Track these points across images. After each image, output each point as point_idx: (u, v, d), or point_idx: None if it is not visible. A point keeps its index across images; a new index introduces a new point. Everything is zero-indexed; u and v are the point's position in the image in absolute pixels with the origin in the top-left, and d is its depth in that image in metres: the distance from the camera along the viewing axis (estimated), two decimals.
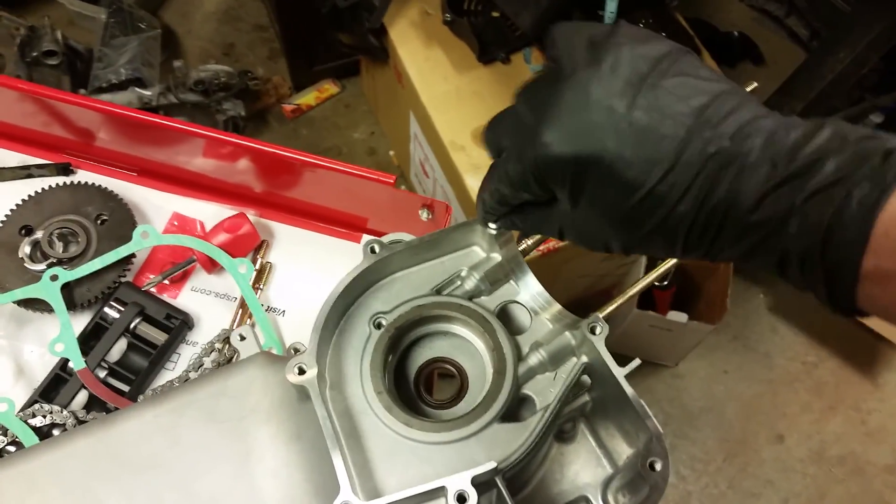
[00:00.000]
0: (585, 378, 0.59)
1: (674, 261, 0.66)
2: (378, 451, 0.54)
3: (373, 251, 0.60)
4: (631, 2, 1.55)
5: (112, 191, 0.93)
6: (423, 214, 0.89)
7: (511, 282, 0.63)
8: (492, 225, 0.58)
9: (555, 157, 0.44)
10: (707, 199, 0.41)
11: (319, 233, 0.97)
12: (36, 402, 0.80)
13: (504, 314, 0.62)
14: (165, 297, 0.90)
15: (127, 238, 0.87)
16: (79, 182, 0.94)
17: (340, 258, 0.81)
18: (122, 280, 0.88)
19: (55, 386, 0.82)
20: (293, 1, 2.02)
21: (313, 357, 0.55)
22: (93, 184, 0.93)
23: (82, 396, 0.82)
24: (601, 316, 0.57)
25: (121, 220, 0.91)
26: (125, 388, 0.83)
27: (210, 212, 0.96)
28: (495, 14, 1.61)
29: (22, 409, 0.79)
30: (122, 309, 0.85)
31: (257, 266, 0.92)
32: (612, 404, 0.57)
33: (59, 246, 0.88)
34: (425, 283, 0.62)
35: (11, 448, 0.77)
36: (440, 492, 0.50)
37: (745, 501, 1.84)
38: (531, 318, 0.62)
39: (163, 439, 0.59)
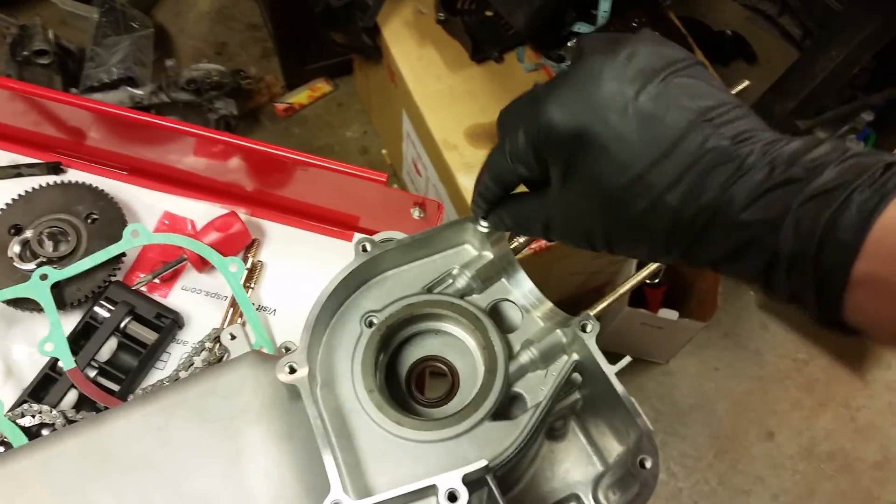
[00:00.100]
0: (576, 376, 0.59)
1: None
2: (369, 450, 0.54)
3: (364, 250, 0.60)
4: (624, 1, 1.56)
5: (102, 190, 0.92)
6: (415, 213, 0.89)
7: (503, 280, 0.63)
8: (483, 223, 0.58)
9: (555, 128, 0.44)
10: (697, 192, 0.41)
11: (311, 231, 0.97)
12: (25, 401, 0.79)
13: (495, 312, 0.62)
14: (156, 296, 0.90)
15: (117, 237, 0.87)
16: (69, 181, 0.93)
17: (332, 257, 0.81)
18: (113, 279, 0.87)
19: (45, 386, 0.81)
20: (286, 0, 2.01)
21: (304, 356, 0.55)
22: (83, 183, 0.93)
23: (72, 396, 0.81)
24: (592, 314, 0.57)
25: (111, 219, 0.91)
26: (115, 387, 0.83)
27: (201, 210, 0.96)
28: (489, 13, 1.61)
29: (11, 409, 0.79)
30: (113, 308, 0.85)
31: (248, 265, 0.92)
32: (603, 402, 0.57)
33: (48, 245, 0.88)
34: (417, 281, 0.62)
35: (0, 448, 0.77)
36: (431, 490, 0.50)
37: (735, 498, 1.85)
38: (522, 317, 0.62)
39: (153, 439, 0.59)
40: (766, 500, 1.86)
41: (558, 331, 0.58)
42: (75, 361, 0.80)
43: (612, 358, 0.55)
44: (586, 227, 0.47)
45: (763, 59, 2.47)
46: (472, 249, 0.63)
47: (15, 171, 0.97)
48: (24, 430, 0.77)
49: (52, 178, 0.95)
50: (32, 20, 1.96)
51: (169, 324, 0.86)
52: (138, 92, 1.94)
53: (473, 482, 0.51)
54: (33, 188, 0.91)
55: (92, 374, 0.83)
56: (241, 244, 0.92)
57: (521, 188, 0.56)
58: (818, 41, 1.83)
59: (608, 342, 1.84)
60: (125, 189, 0.96)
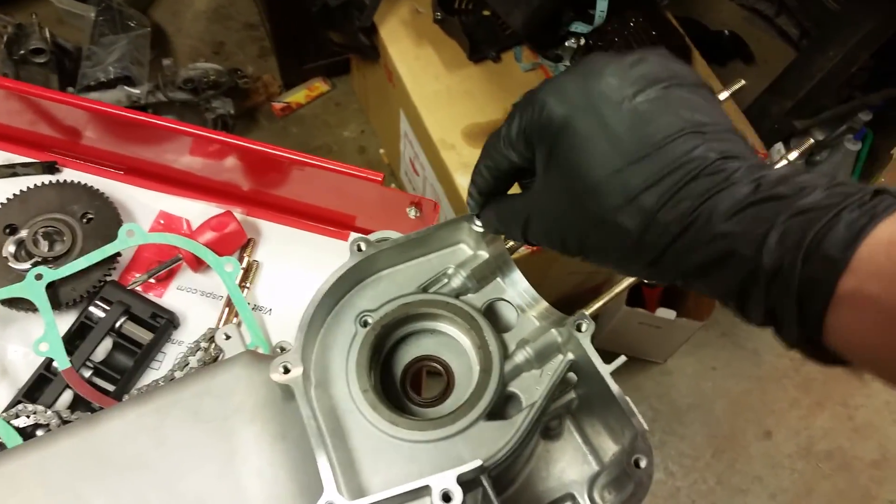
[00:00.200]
0: (571, 375, 0.59)
1: None
2: (363, 450, 0.54)
3: (359, 249, 0.60)
4: (622, 1, 1.56)
5: (98, 189, 0.92)
6: (412, 212, 0.89)
7: (498, 279, 0.63)
8: (476, 222, 0.58)
9: (547, 112, 0.44)
10: (677, 197, 0.40)
11: (307, 231, 0.97)
12: (20, 402, 0.79)
13: (491, 312, 0.62)
14: (151, 295, 0.90)
15: (113, 237, 0.86)
16: (65, 181, 0.93)
17: (328, 256, 0.81)
18: (108, 279, 0.87)
19: (39, 386, 0.81)
20: None
21: (298, 356, 0.55)
22: (79, 182, 0.92)
23: (67, 396, 0.81)
24: (587, 313, 0.57)
25: (107, 219, 0.90)
26: (110, 387, 0.83)
27: (197, 210, 0.96)
28: (486, 13, 1.61)
29: (5, 410, 0.79)
30: (108, 308, 0.85)
31: (244, 264, 0.91)
32: (598, 401, 0.57)
33: (44, 245, 0.88)
34: (412, 280, 0.62)
35: None
36: (425, 490, 0.50)
37: (733, 497, 1.85)
38: (518, 316, 0.62)
39: (148, 439, 0.59)
40: (764, 499, 1.86)
41: (553, 330, 0.58)
42: (70, 361, 0.80)
43: (610, 357, 0.55)
44: (561, 224, 0.46)
45: (760, 59, 2.48)
46: (468, 249, 0.63)
47: (10, 171, 0.97)
48: (19, 430, 0.77)
49: (47, 178, 0.95)
50: (29, 19, 1.95)
51: (164, 324, 0.86)
52: (135, 91, 1.93)
53: (468, 482, 0.51)
54: (28, 188, 0.91)
55: (87, 374, 0.83)
56: (237, 244, 0.92)
57: (516, 189, 0.56)
58: (815, 41, 1.83)
59: (606, 341, 1.84)
60: (121, 188, 0.96)
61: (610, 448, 0.59)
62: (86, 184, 0.92)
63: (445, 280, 0.62)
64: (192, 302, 0.90)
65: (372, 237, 0.60)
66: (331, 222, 0.97)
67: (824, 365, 0.40)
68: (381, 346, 0.60)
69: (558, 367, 0.57)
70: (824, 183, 0.38)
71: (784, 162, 0.59)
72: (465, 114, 1.54)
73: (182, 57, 2.31)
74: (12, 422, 0.77)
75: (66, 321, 0.85)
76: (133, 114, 0.88)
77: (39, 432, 0.78)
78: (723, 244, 0.39)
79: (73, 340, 0.83)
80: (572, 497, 0.59)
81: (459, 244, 0.63)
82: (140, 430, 0.59)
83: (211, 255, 0.87)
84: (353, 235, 0.71)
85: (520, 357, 0.58)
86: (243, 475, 0.57)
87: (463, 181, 1.46)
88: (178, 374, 0.83)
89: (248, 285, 0.91)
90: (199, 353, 0.84)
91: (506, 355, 0.58)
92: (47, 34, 1.93)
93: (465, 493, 0.49)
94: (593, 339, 0.56)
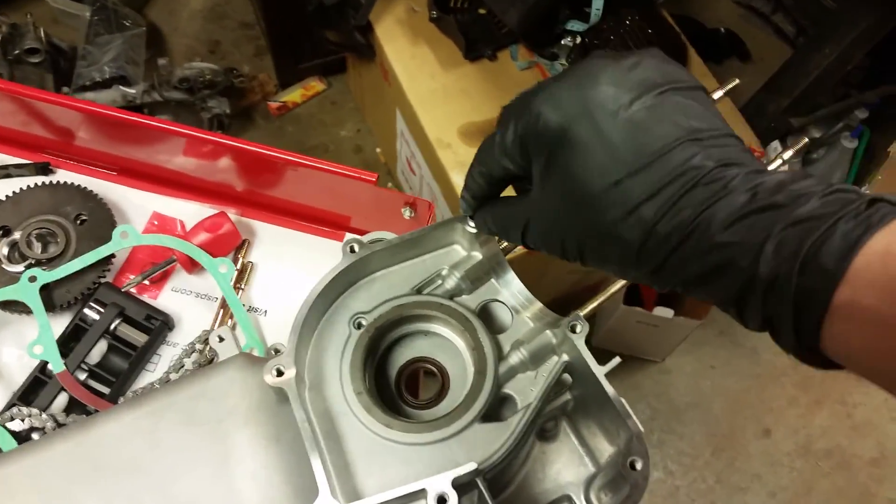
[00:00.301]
0: (567, 376, 0.58)
1: None
2: (358, 453, 0.54)
3: (352, 251, 0.59)
4: None
5: (92, 190, 0.92)
6: (406, 213, 0.89)
7: (492, 280, 0.63)
8: (470, 223, 0.58)
9: (543, 121, 0.44)
10: (675, 208, 0.40)
11: (302, 231, 0.96)
12: (14, 405, 0.79)
13: (485, 313, 0.62)
14: (146, 297, 0.89)
15: (107, 238, 0.86)
16: (58, 182, 0.93)
17: (323, 257, 0.81)
18: (102, 281, 0.87)
19: (34, 389, 0.81)
20: None
21: (291, 358, 0.54)
22: (72, 183, 0.92)
23: (62, 399, 0.81)
24: (582, 314, 0.57)
25: (100, 220, 0.90)
26: (105, 390, 0.82)
27: (191, 211, 0.95)
28: (482, 11, 1.61)
29: (0, 413, 0.78)
30: (102, 310, 0.84)
31: (238, 265, 0.91)
32: (594, 403, 0.57)
33: (37, 247, 0.87)
34: (406, 282, 0.61)
35: None
36: (420, 494, 0.49)
37: (732, 495, 1.85)
38: (512, 317, 0.61)
39: (142, 442, 0.59)
40: (763, 497, 1.86)
41: (548, 331, 0.58)
42: (65, 364, 0.80)
43: (607, 356, 0.55)
44: (560, 232, 0.46)
45: (757, 56, 2.47)
46: (462, 250, 0.63)
47: (3, 172, 0.96)
48: (14, 433, 0.77)
49: (40, 179, 0.94)
50: (24, 18, 1.95)
51: (159, 325, 0.85)
52: (131, 91, 1.93)
53: (463, 485, 0.51)
54: (22, 189, 0.90)
55: (82, 376, 0.82)
56: (231, 245, 0.91)
57: (511, 192, 0.55)
58: (812, 39, 1.83)
59: (604, 340, 1.84)
60: (114, 189, 0.96)
61: (606, 449, 0.59)
62: (79, 185, 0.92)
63: (439, 281, 0.61)
64: (187, 303, 0.90)
65: (365, 238, 0.60)
66: (325, 223, 0.97)
67: (821, 369, 0.40)
68: (376, 348, 0.59)
69: (553, 368, 0.57)
70: (821, 190, 0.38)
71: (779, 161, 0.59)
72: (461, 112, 1.54)
73: (178, 56, 2.30)
74: (7, 425, 0.77)
75: (60, 323, 0.85)
76: (126, 114, 0.88)
77: (35, 436, 0.78)
78: (721, 254, 0.39)
79: (67, 343, 0.83)
80: (569, 499, 0.59)
81: (453, 245, 0.63)
82: (134, 434, 0.59)
83: (205, 256, 0.87)
84: (348, 236, 0.71)
85: (514, 358, 0.57)
86: (237, 478, 0.56)
87: (459, 180, 1.46)
88: (173, 376, 0.82)
89: (242, 286, 0.91)
90: (195, 355, 0.84)
91: (500, 357, 0.57)
92: (42, 34, 1.93)
93: (460, 495, 0.49)
94: (588, 341, 0.56)
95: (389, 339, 0.60)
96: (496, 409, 0.57)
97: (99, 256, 0.85)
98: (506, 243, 0.62)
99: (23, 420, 0.78)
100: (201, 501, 0.56)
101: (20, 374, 0.82)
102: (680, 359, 2.00)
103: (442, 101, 1.56)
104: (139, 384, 0.85)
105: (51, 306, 0.84)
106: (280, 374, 0.54)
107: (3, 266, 0.85)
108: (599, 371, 0.54)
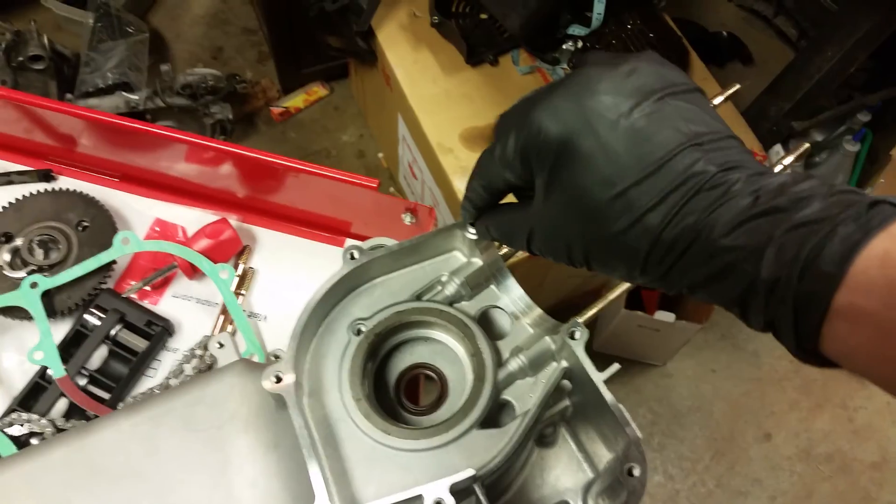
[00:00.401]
0: (566, 383, 0.58)
1: None
2: (356, 459, 0.54)
3: (352, 257, 0.59)
4: (619, 3, 1.56)
5: (93, 197, 0.92)
6: (407, 218, 0.89)
7: (492, 286, 0.63)
8: (470, 230, 0.58)
9: (544, 134, 0.44)
10: (680, 215, 0.40)
11: (303, 237, 0.97)
12: (14, 410, 0.79)
13: (485, 319, 0.62)
14: (146, 303, 0.90)
15: (108, 244, 0.86)
16: (60, 188, 0.93)
17: (324, 263, 0.81)
18: (103, 287, 0.87)
19: (34, 394, 0.81)
20: (281, 4, 2.01)
21: (290, 365, 0.55)
22: (74, 190, 0.92)
23: (62, 405, 0.81)
24: (581, 321, 0.57)
25: (102, 227, 0.90)
26: (106, 395, 0.82)
27: (192, 217, 0.96)
28: (483, 16, 1.61)
29: (0, 418, 0.78)
30: (103, 316, 0.85)
31: (239, 271, 0.91)
32: (592, 409, 0.57)
33: (39, 253, 0.88)
34: (406, 288, 0.61)
35: None
36: (418, 500, 0.49)
37: (733, 500, 1.85)
38: (512, 323, 0.61)
39: (141, 448, 0.59)
40: (764, 501, 1.85)
41: (547, 338, 0.58)
42: (65, 370, 0.80)
43: (610, 360, 0.55)
44: (566, 241, 0.47)
45: (759, 59, 2.47)
46: (462, 256, 0.63)
47: (5, 179, 0.96)
48: (14, 439, 0.77)
49: (42, 186, 0.95)
50: (27, 25, 1.96)
51: (159, 331, 0.85)
52: (133, 97, 1.93)
53: (461, 491, 0.51)
54: (24, 196, 0.91)
55: (82, 382, 0.82)
56: (232, 251, 0.92)
57: (511, 198, 0.55)
58: (813, 41, 1.83)
59: (605, 344, 1.84)
60: (116, 196, 0.96)
61: (604, 455, 0.59)
62: (81, 191, 0.92)
63: (439, 287, 0.61)
64: (188, 309, 0.90)
65: (365, 244, 0.60)
66: (326, 229, 0.97)
67: (824, 368, 0.40)
68: (375, 355, 0.59)
69: (552, 374, 0.57)
70: (823, 192, 0.38)
71: (780, 167, 0.59)
72: (463, 117, 1.54)
73: (180, 62, 2.31)
74: (7, 430, 0.77)
75: (61, 329, 0.85)
76: (127, 121, 0.88)
77: (34, 441, 0.78)
78: (724, 259, 0.39)
79: (68, 348, 0.83)
80: None
81: (453, 251, 0.63)
82: (133, 440, 0.59)
83: (206, 262, 0.87)
84: (348, 242, 0.71)
85: (514, 365, 0.57)
86: (236, 485, 0.56)
87: (461, 185, 1.46)
88: (173, 382, 0.83)
89: (243, 292, 0.91)
90: (195, 361, 0.84)
91: (500, 363, 0.57)
92: (46, 41, 1.94)
93: (458, 502, 0.49)
94: (590, 345, 0.56)
95: (389, 345, 0.60)
96: (495, 415, 0.57)
97: (100, 263, 0.85)
98: (506, 249, 0.62)
99: (23, 425, 0.78)
100: None
101: (21, 380, 0.83)
102: (681, 363, 1.99)
103: (443, 106, 1.56)
104: (139, 390, 0.85)
105: (52, 312, 0.84)
106: (279, 380, 0.54)
107: (5, 272, 0.86)
108: (598, 378, 0.54)
